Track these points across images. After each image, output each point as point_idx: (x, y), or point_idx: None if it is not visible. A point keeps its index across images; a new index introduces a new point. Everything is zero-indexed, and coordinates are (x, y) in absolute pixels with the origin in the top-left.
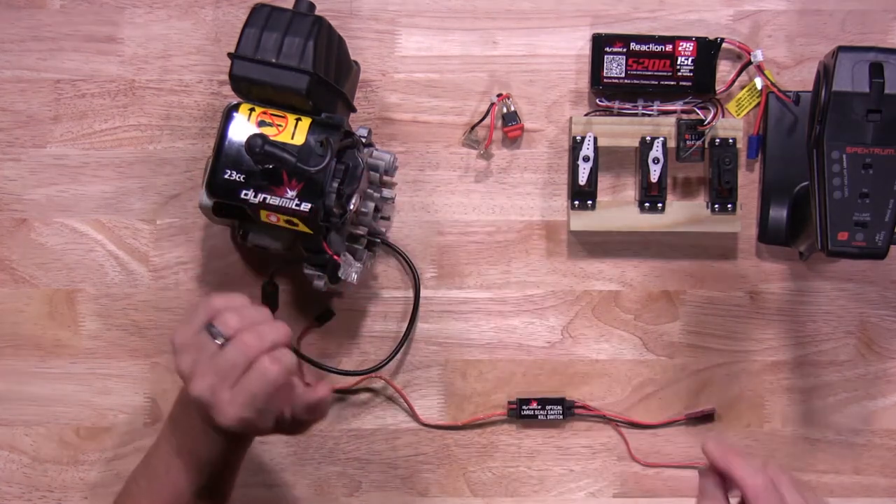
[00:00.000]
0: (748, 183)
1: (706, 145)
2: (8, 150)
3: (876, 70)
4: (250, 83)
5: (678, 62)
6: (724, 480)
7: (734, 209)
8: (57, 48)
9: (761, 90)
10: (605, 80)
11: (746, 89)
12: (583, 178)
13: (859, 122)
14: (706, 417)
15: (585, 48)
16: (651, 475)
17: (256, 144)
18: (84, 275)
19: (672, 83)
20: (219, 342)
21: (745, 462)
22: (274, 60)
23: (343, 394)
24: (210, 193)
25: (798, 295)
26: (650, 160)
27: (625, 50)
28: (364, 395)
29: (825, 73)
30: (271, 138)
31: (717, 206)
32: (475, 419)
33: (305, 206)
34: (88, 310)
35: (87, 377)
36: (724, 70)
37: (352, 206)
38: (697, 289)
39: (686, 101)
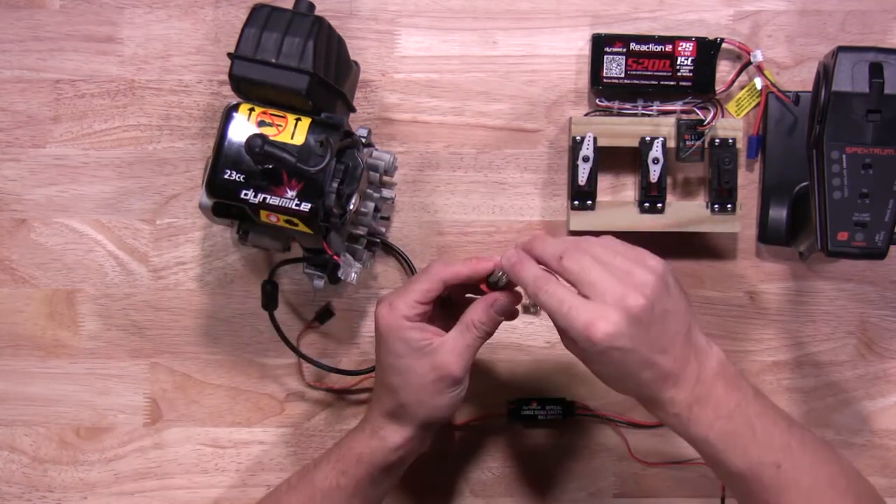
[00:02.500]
0: (748, 183)
1: (706, 145)
2: (8, 150)
3: (876, 70)
4: (250, 83)
5: (678, 62)
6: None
7: (734, 209)
8: (57, 48)
9: (761, 90)
10: (604, 81)
11: (746, 89)
12: (583, 179)
13: (859, 122)
14: None
15: (585, 48)
16: (651, 475)
17: (256, 144)
18: (84, 275)
19: (672, 83)
20: None
21: (528, 266)
22: (274, 60)
23: (342, 394)
24: (210, 193)
25: (798, 295)
26: (650, 160)
27: (625, 50)
28: (364, 395)
29: (825, 73)
30: (271, 138)
31: (717, 206)
32: (475, 419)
33: (305, 206)
34: (88, 310)
35: (87, 377)
36: (724, 70)
37: (352, 206)
38: (697, 289)
39: (686, 101)
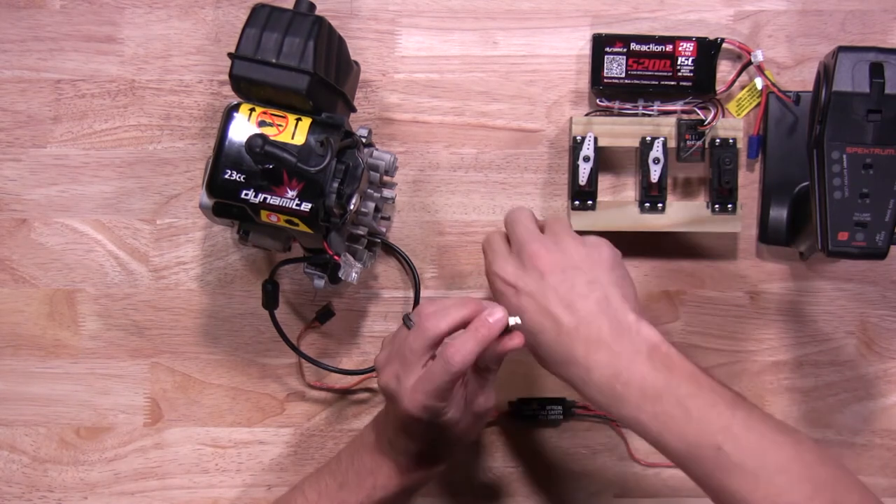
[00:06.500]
0: (748, 183)
1: (706, 145)
2: (8, 150)
3: (876, 70)
4: (250, 83)
5: (678, 62)
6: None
7: (734, 209)
8: (57, 48)
9: (761, 90)
10: (605, 81)
11: (747, 89)
12: (583, 179)
13: (859, 122)
14: None
15: (585, 48)
16: (651, 475)
17: (256, 144)
18: (84, 275)
19: (672, 83)
20: (409, 328)
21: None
22: (274, 60)
23: (343, 394)
24: (210, 193)
25: (798, 295)
26: (650, 160)
27: (625, 50)
28: (364, 395)
29: (825, 73)
30: (271, 138)
31: (717, 206)
32: None
33: (306, 206)
34: (88, 310)
35: (87, 377)
36: (725, 70)
37: (352, 206)
38: (697, 289)
39: (686, 101)
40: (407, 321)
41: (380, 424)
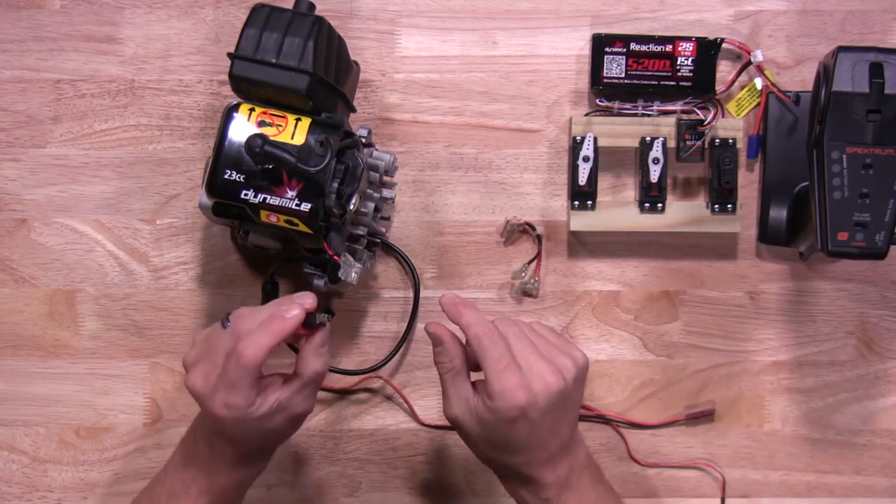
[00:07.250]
0: (748, 183)
1: (706, 145)
2: (8, 150)
3: (876, 70)
4: (250, 83)
5: (678, 62)
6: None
7: (734, 209)
8: (57, 48)
9: (761, 90)
10: (605, 81)
11: (746, 89)
12: (583, 179)
13: (859, 122)
14: (706, 417)
15: (585, 48)
16: (651, 475)
17: (256, 144)
18: (84, 275)
19: (672, 83)
20: (224, 328)
21: (474, 311)
22: (274, 60)
23: (343, 394)
24: (210, 193)
25: (798, 295)
26: (650, 160)
27: (625, 50)
28: (364, 395)
29: (825, 73)
30: (271, 138)
31: (717, 206)
32: None
33: (305, 206)
34: (88, 310)
35: (87, 377)
36: (724, 70)
37: (352, 206)
38: (697, 289)
39: (686, 101)
40: (224, 321)
41: (197, 429)
